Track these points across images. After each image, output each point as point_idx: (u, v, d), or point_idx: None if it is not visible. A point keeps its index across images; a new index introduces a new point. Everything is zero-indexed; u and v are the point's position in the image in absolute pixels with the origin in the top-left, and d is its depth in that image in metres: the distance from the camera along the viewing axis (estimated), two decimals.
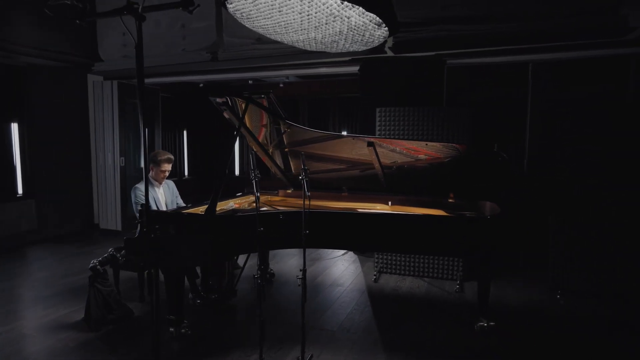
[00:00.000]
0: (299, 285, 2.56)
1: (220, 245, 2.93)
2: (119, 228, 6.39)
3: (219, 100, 3.15)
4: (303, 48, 4.00)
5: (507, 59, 4.59)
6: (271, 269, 4.52)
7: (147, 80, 6.50)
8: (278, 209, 3.61)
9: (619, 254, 3.80)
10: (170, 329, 3.17)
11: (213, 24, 5.04)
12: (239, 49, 4.95)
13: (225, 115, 3.36)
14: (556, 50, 4.30)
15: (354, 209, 3.53)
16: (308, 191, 2.52)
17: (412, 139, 4.30)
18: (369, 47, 3.87)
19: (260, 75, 5.75)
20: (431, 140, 4.16)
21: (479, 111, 4.49)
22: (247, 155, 9.32)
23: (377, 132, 4.54)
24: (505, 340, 3.19)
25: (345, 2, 2.99)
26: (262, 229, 2.52)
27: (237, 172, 9.39)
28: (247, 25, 3.64)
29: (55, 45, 5.63)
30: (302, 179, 2.60)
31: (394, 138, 4.39)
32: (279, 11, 3.25)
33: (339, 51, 4.01)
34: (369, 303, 3.89)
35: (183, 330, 3.18)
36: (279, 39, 3.72)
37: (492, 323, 3.29)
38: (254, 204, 4.11)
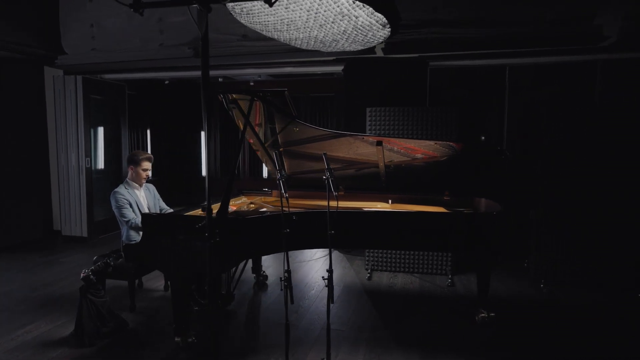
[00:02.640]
0: (326, 286, 2.52)
1: (234, 249, 2.82)
2: (85, 234, 5.95)
3: (230, 97, 3.03)
4: (298, 46, 3.93)
5: (486, 62, 4.83)
6: (264, 271, 4.42)
7: (113, 76, 6.11)
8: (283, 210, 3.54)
9: (597, 244, 4.11)
10: (176, 339, 3.00)
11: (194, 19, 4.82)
12: (223, 45, 4.78)
13: (233, 113, 3.25)
14: (532, 55, 4.58)
15: (359, 208, 3.54)
16: (335, 191, 2.49)
17: (407, 137, 4.38)
18: (366, 47, 3.90)
19: (244, 72, 5.60)
20: (422, 139, 4.26)
21: (462, 110, 4.68)
22: (215, 154, 9.04)
23: (368, 132, 4.59)
24: (507, 329, 3.35)
25: (357, 2, 2.99)
26: (288, 230, 2.46)
27: (204, 173, 9.06)
28: (242, 21, 3.52)
29: (12, 35, 5.12)
30: (326, 179, 2.57)
31: (394, 137, 4.44)
32: (286, 8, 3.18)
33: (334, 50, 4.00)
34: (369, 301, 3.92)
35: (190, 340, 3.02)
36: (275, 37, 3.63)
37: (492, 314, 3.44)
38: (252, 205, 4.02)
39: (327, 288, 2.51)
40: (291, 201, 4.06)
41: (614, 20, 3.83)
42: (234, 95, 3.14)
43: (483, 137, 6.78)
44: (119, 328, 3.25)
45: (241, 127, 3.29)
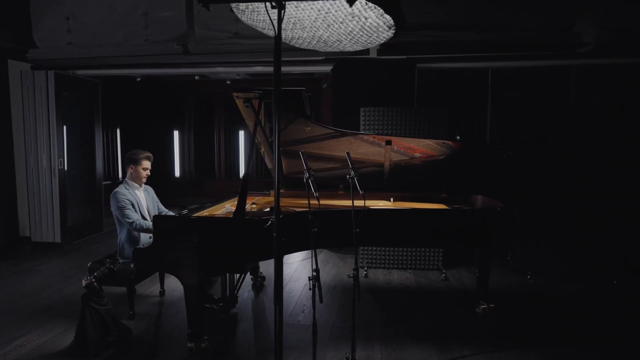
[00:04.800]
0: (354, 284, 2.54)
1: (253, 250, 2.78)
2: (58, 240, 5.58)
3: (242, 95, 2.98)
4: (298, 46, 3.91)
5: (470, 64, 5.03)
6: (261, 272, 4.37)
7: (87, 72, 5.79)
8: (289, 210, 3.52)
9: (578, 238, 4.40)
10: (189, 345, 2.91)
11: (182, 14, 4.67)
12: (213, 43, 4.66)
13: (245, 112, 3.20)
14: (515, 59, 4.83)
15: (366, 207, 3.59)
16: (362, 190, 2.52)
17: (405, 137, 4.47)
18: (365, 48, 3.96)
19: (221, 70, 5.47)
20: (421, 138, 4.37)
21: (451, 111, 4.86)
22: (189, 155, 8.78)
23: (362, 131, 4.65)
24: (507, 319, 3.52)
25: (369, 3, 3.02)
26: (315, 230, 2.45)
27: (177, 174, 8.78)
28: (242, 19, 3.47)
29: None
30: (350, 178, 2.59)
31: (397, 137, 4.50)
32: (296, 7, 3.16)
33: (334, 50, 4.01)
34: (372, 298, 3.98)
35: (203, 345, 2.94)
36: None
37: (492, 305, 3.60)
38: (254, 206, 3.96)
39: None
40: (292, 201, 4.05)
41: (592, 29, 4.12)
42: (247, 94, 3.09)
43: (458, 137, 7.06)
44: (123, 336, 3.11)
45: (251, 126, 3.24)
